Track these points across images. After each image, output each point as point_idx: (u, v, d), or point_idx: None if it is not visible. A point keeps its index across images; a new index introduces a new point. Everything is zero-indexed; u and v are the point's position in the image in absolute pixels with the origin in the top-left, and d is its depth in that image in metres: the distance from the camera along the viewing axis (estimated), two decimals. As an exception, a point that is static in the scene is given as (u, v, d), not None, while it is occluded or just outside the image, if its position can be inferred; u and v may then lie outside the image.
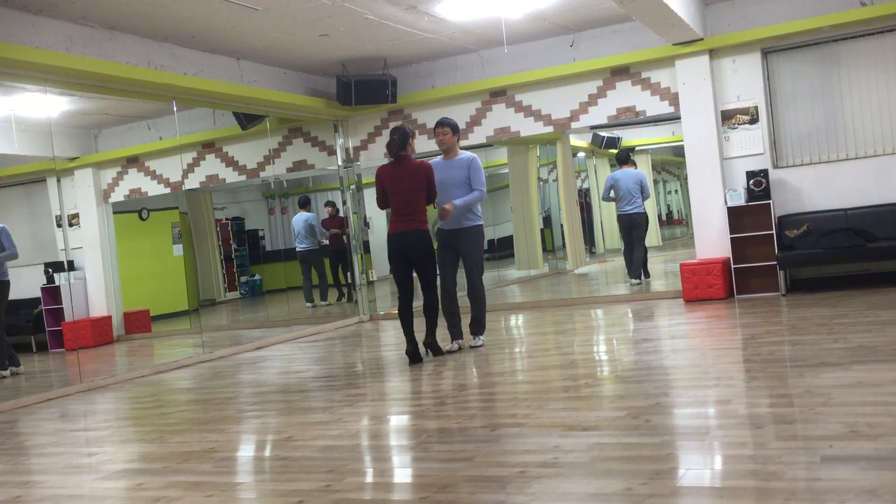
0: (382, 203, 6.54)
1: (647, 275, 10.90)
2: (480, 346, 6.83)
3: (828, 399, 3.89)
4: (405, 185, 6.35)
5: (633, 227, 10.64)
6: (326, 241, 12.43)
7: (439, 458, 3.69)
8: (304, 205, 12.69)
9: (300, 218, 12.59)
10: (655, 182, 18.25)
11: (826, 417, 3.58)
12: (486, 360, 6.41)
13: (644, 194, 10.64)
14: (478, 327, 6.87)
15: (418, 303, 6.60)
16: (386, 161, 6.77)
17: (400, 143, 6.43)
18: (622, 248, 11.07)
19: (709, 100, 8.60)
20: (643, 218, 10.70)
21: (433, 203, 6.60)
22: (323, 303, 12.55)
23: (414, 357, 6.39)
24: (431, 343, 6.51)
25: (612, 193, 10.75)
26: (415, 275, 6.53)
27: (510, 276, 13.88)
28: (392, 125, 6.69)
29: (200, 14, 7.18)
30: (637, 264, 10.58)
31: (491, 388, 5.28)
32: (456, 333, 6.78)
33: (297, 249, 12.57)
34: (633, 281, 10.50)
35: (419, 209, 6.39)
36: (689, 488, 2.94)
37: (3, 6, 6.43)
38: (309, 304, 12.59)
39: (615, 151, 13.44)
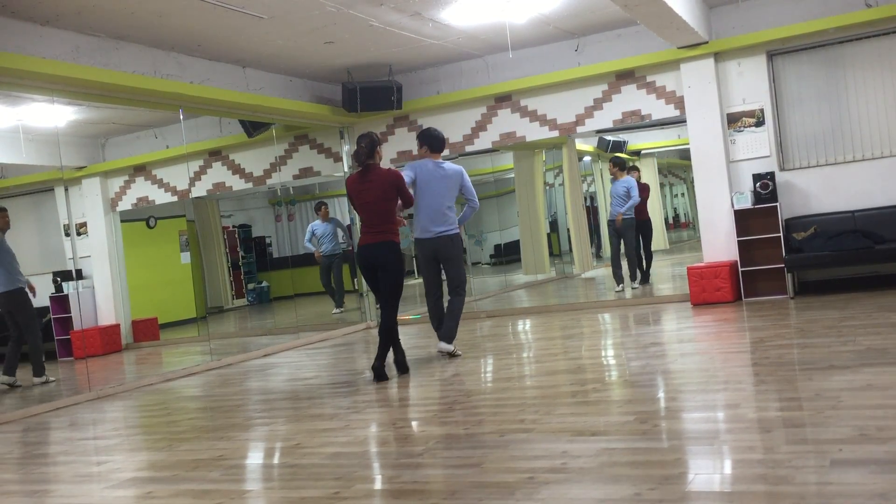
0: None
1: (644, 279, 11.00)
2: (450, 351, 6.71)
3: (837, 402, 3.87)
4: (373, 195, 6.11)
5: (618, 234, 10.84)
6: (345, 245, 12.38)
7: (447, 465, 3.69)
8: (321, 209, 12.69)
9: (321, 224, 12.60)
10: (662, 186, 18.22)
11: (836, 421, 3.57)
12: (494, 366, 6.41)
13: (632, 199, 10.73)
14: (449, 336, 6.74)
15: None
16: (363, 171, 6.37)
17: (367, 151, 6.16)
18: (624, 252, 11.16)
19: (714, 103, 8.59)
20: (628, 224, 10.80)
21: (409, 207, 6.42)
22: (338, 310, 12.42)
23: (378, 374, 6.09)
24: (380, 367, 6.12)
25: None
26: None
27: (517, 280, 13.87)
28: (360, 133, 6.53)
29: (206, 23, 7.21)
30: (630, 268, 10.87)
31: (499, 393, 5.28)
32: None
33: (324, 254, 12.61)
34: (618, 287, 10.61)
35: (388, 220, 6.14)
36: (699, 493, 2.94)
37: (10, 17, 6.47)
38: (336, 311, 12.48)
39: (623, 156, 13.45)
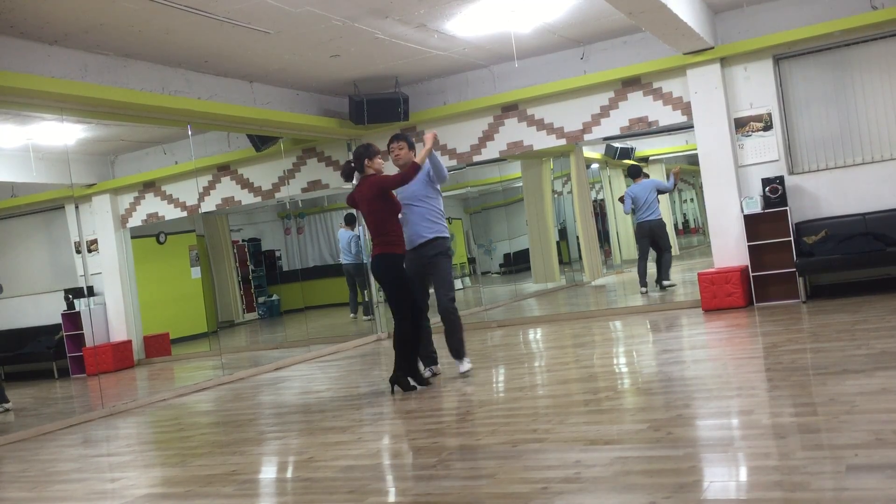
0: None
1: (667, 280, 11.06)
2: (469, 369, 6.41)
3: (852, 407, 3.85)
4: (367, 206, 6.08)
5: (652, 234, 10.85)
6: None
7: (461, 476, 3.68)
8: (350, 223, 12.72)
9: (345, 234, 12.63)
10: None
11: (851, 425, 3.54)
12: (506, 375, 6.40)
13: (664, 189, 11.08)
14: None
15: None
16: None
17: (356, 166, 6.16)
18: (639, 257, 11.20)
19: (721, 108, 8.58)
20: (661, 224, 10.91)
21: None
22: (365, 318, 12.51)
23: (397, 384, 6.04)
24: (397, 379, 6.07)
25: (633, 206, 11.11)
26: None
27: (527, 289, 13.85)
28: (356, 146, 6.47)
29: (213, 39, 7.25)
30: (663, 270, 10.94)
31: (511, 403, 5.26)
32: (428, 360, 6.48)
33: (342, 262, 12.68)
34: (643, 289, 10.80)
35: (382, 231, 6.03)
36: (714, 501, 2.92)
37: (18, 37, 6.52)
38: (352, 316, 12.61)
39: (630, 162, 13.48)
